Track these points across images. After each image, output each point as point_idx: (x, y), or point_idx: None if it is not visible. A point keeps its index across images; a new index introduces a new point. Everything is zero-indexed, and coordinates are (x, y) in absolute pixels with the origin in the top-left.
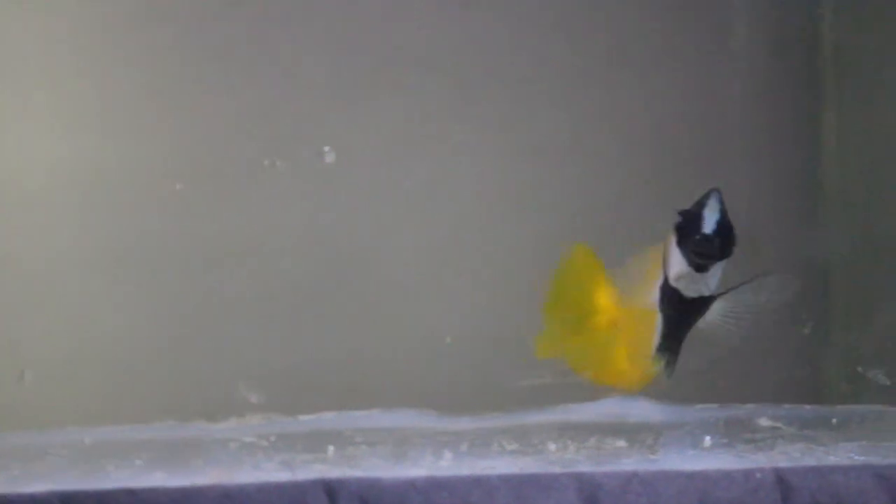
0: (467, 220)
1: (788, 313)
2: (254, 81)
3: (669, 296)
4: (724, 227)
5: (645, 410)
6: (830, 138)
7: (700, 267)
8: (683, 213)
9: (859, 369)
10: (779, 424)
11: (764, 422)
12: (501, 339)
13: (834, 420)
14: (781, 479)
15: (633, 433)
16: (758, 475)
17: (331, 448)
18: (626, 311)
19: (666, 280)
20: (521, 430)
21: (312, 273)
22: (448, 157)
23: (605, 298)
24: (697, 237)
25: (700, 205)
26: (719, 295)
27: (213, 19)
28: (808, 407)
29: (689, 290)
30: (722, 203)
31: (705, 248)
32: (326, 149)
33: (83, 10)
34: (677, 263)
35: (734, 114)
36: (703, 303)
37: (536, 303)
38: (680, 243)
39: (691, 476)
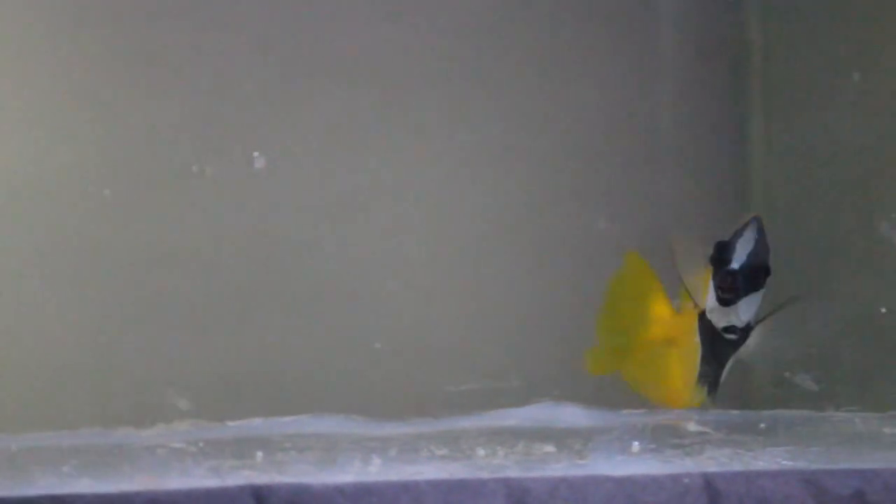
0: (396, 225)
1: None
2: (183, 87)
3: (706, 327)
4: (753, 260)
5: (573, 416)
6: (757, 144)
7: (725, 301)
8: (719, 245)
9: (787, 374)
10: (707, 429)
11: (692, 427)
12: (430, 345)
13: (762, 425)
14: (709, 484)
15: (562, 438)
16: (686, 480)
17: (259, 454)
18: (681, 326)
19: (703, 311)
20: (449, 436)
21: (241, 279)
22: (378, 162)
23: (659, 310)
24: (721, 273)
25: (736, 235)
26: (758, 323)
27: (142, 24)
28: (735, 412)
29: (722, 323)
30: (759, 233)
31: (728, 284)
32: (256, 154)
33: (7, 15)
34: (711, 297)
35: (662, 119)
36: (738, 334)
37: (466, 307)
38: (714, 277)
39: (619, 481)
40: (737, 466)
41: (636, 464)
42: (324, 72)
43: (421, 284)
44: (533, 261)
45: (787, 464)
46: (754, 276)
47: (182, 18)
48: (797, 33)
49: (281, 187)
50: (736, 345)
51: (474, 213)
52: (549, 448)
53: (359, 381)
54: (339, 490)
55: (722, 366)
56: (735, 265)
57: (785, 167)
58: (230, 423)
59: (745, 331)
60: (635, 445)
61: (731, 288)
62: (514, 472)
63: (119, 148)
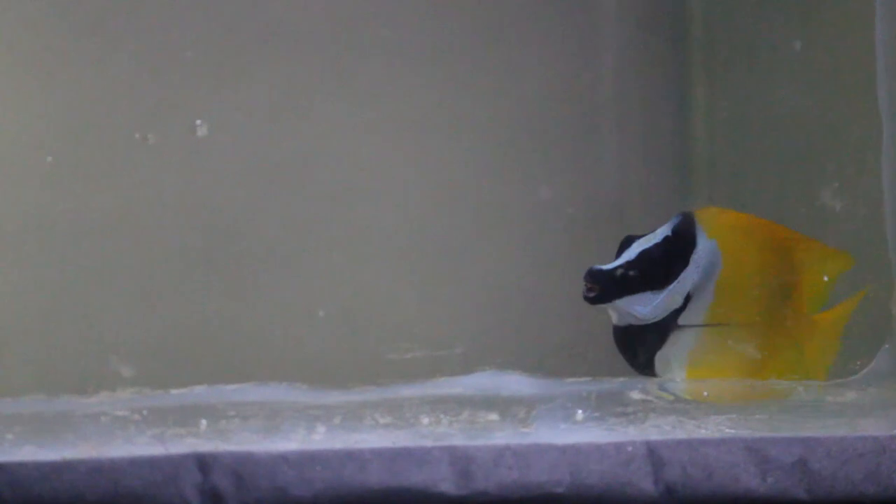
0: (339, 193)
1: None
2: (126, 55)
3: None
4: (636, 261)
5: (517, 384)
6: (700, 113)
7: (586, 299)
8: (624, 239)
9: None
10: (650, 398)
11: (635, 395)
12: (374, 313)
13: (704, 393)
14: (653, 452)
15: (506, 406)
16: (629, 448)
17: (203, 422)
18: None
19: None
20: (393, 404)
21: (184, 247)
22: (319, 130)
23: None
24: (590, 268)
25: (651, 231)
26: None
27: None
28: (679, 380)
29: (615, 321)
30: (674, 231)
31: (587, 283)
32: (198, 122)
33: None
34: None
35: (604, 88)
36: (628, 332)
37: (409, 275)
38: None
39: (563, 449)
40: (680, 434)
41: (580, 432)
42: (266, 39)
43: (364, 252)
44: (476, 228)
45: (730, 432)
46: (632, 276)
47: None
48: (738, 2)
49: (223, 155)
50: (650, 343)
51: (417, 181)
52: (493, 416)
53: (302, 348)
54: (284, 458)
55: (642, 359)
56: (606, 265)
57: (727, 136)
58: (174, 391)
59: (660, 330)
60: (579, 413)
61: (590, 287)
62: (458, 441)
63: (62, 115)
